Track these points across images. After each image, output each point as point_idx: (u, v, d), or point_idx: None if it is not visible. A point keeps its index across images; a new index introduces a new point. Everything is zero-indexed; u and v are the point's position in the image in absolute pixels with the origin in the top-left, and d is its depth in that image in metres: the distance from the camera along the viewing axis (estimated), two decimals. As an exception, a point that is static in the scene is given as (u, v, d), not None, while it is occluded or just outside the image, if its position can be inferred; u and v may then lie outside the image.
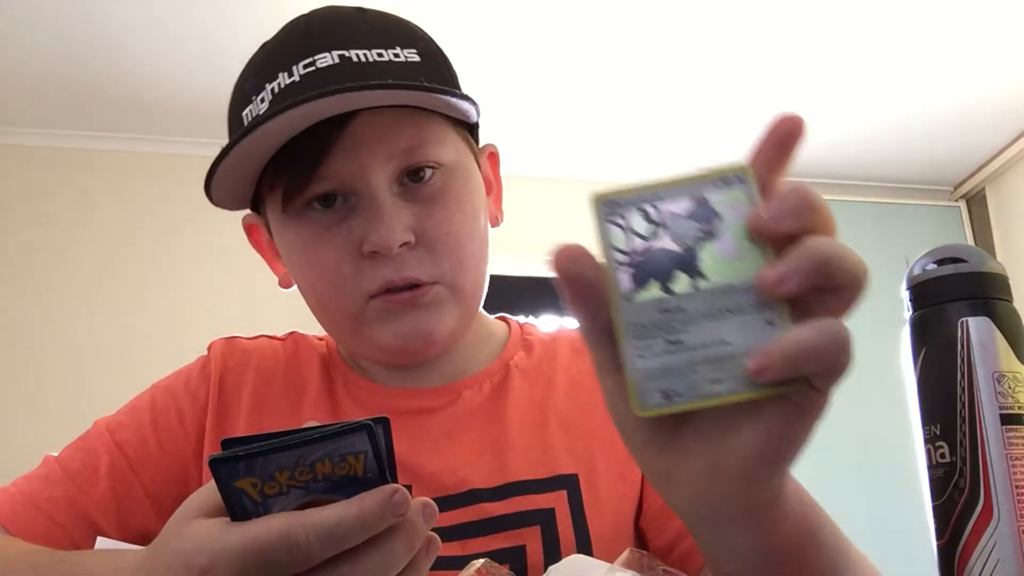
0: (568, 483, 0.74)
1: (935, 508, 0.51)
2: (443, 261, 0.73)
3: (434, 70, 0.74)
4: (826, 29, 2.64)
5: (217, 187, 0.72)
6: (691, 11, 2.55)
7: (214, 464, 0.43)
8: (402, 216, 0.71)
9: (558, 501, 0.73)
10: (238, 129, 0.72)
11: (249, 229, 0.83)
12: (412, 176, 0.72)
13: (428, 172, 0.72)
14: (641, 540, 0.78)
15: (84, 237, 3.03)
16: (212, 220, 3.14)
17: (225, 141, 0.70)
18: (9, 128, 3.01)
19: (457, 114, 0.75)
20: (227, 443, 0.44)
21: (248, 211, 0.81)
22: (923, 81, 2.89)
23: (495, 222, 0.81)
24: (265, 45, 0.76)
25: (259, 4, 2.44)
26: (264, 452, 0.43)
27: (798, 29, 2.64)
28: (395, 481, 0.45)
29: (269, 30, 0.76)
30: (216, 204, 0.76)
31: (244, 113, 0.72)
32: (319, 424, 0.45)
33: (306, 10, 0.75)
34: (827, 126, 3.13)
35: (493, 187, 0.83)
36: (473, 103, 0.74)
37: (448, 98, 0.71)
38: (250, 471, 0.43)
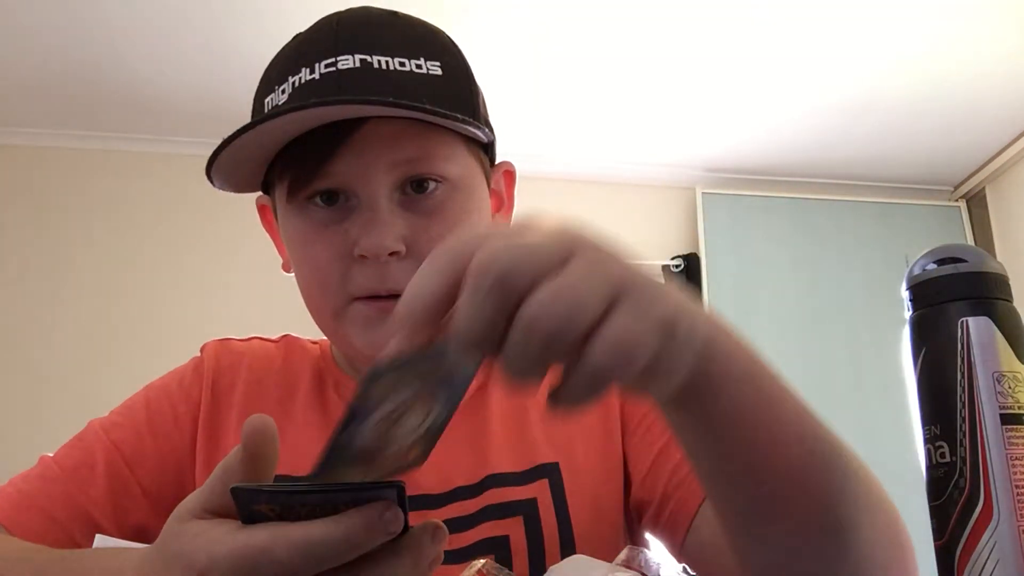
0: (549, 472, 0.76)
1: (935, 508, 0.51)
2: None
3: (452, 86, 0.74)
4: (826, 28, 2.64)
5: (220, 170, 0.73)
6: (691, 15, 2.55)
7: (235, 492, 0.42)
8: (397, 225, 0.71)
9: (540, 491, 0.75)
10: (259, 114, 0.74)
11: (262, 210, 0.85)
12: (415, 186, 0.73)
13: (431, 184, 0.73)
14: (629, 523, 0.79)
15: (84, 237, 3.02)
16: (211, 220, 3.14)
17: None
18: (9, 128, 3.01)
19: (466, 132, 0.75)
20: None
21: (260, 193, 0.82)
22: (923, 81, 2.89)
23: None
24: (297, 36, 0.77)
25: (259, 4, 2.44)
26: (288, 493, 0.42)
27: (797, 27, 2.64)
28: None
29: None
30: (217, 186, 0.76)
31: (266, 100, 0.75)
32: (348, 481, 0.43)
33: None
34: (827, 126, 3.13)
35: (504, 205, 0.84)
36: (479, 127, 0.74)
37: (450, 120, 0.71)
38: (272, 502, 0.42)
